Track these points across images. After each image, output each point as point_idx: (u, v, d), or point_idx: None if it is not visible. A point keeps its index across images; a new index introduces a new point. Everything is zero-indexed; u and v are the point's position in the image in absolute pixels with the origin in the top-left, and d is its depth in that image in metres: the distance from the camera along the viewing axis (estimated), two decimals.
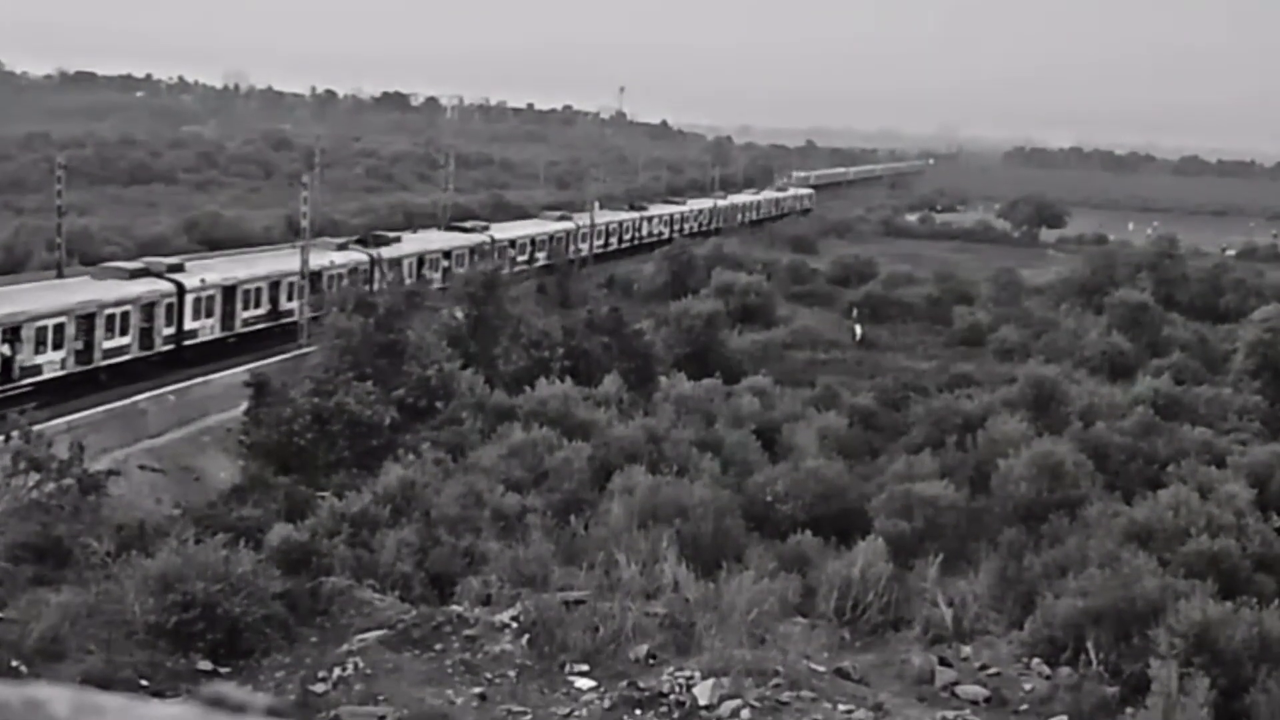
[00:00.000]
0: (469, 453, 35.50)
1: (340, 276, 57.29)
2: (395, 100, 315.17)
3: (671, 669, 21.19)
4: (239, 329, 51.35)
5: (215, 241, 74.10)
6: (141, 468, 36.04)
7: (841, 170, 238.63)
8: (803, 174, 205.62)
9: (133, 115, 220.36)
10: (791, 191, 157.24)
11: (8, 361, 39.82)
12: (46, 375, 40.80)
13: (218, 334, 49.93)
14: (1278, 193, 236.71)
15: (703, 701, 20.15)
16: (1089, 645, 23.40)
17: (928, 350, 65.55)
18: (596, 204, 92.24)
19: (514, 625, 22.80)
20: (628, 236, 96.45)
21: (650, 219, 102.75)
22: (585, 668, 21.78)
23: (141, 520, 29.50)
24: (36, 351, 40.65)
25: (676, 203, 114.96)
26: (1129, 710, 21.49)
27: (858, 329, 68.84)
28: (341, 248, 60.69)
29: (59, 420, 36.06)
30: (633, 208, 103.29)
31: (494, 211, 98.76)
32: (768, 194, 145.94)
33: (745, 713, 19.87)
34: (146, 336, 45.77)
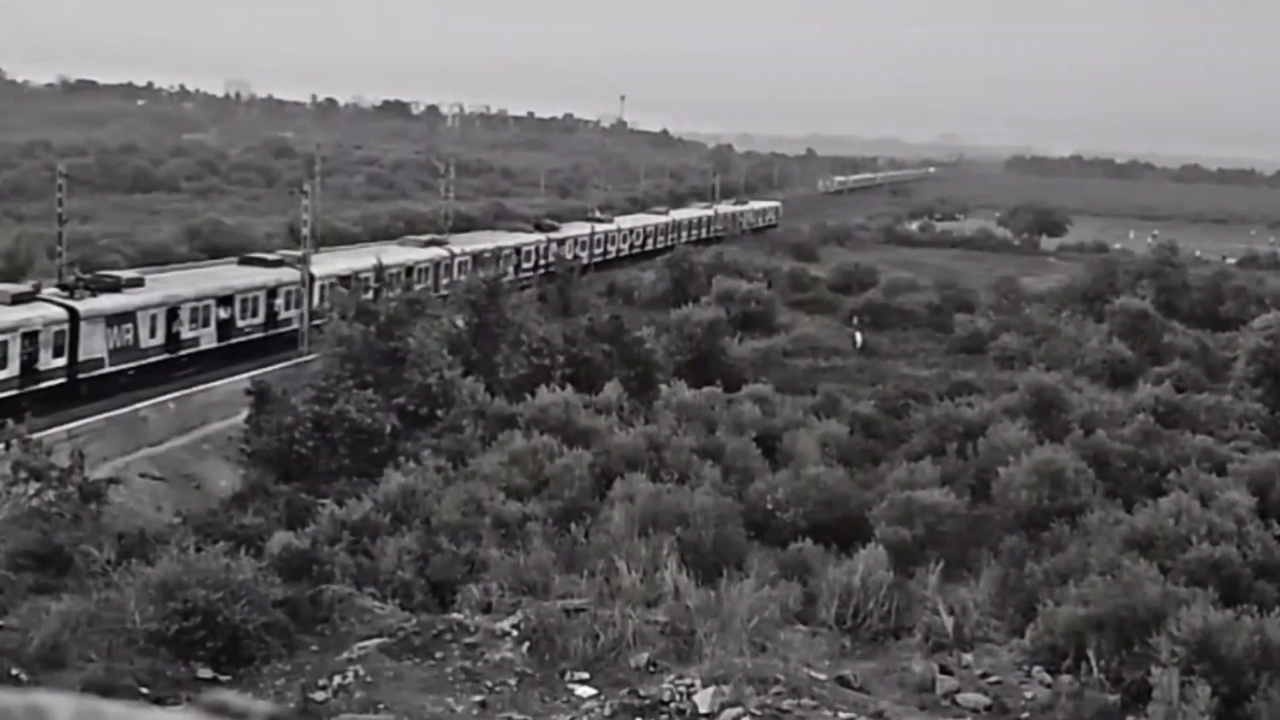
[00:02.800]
0: (470, 460, 35.51)
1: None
2: (396, 108, 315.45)
3: (672, 676, 21.17)
4: None
5: (218, 249, 74.06)
6: (142, 475, 36.05)
7: (869, 176, 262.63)
8: (842, 178, 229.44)
9: (134, 123, 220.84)
10: (753, 205, 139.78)
11: None
12: None
13: None
14: (1278, 200, 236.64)
15: (703, 709, 20.13)
16: (1090, 653, 23.39)
17: (928, 358, 65.55)
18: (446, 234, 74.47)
19: (515, 633, 22.79)
20: (528, 265, 76.59)
21: (561, 241, 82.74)
22: (586, 675, 21.77)
23: (142, 528, 29.50)
24: None
25: (601, 220, 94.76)
26: (1130, 718, 21.48)
27: (858, 336, 68.87)
28: (20, 300, 42.12)
29: (59, 428, 36.08)
30: (539, 228, 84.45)
31: (494, 219, 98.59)
32: (724, 208, 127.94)
33: None
34: None
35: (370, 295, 54.44)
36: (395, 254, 64.06)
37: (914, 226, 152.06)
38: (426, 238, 71.85)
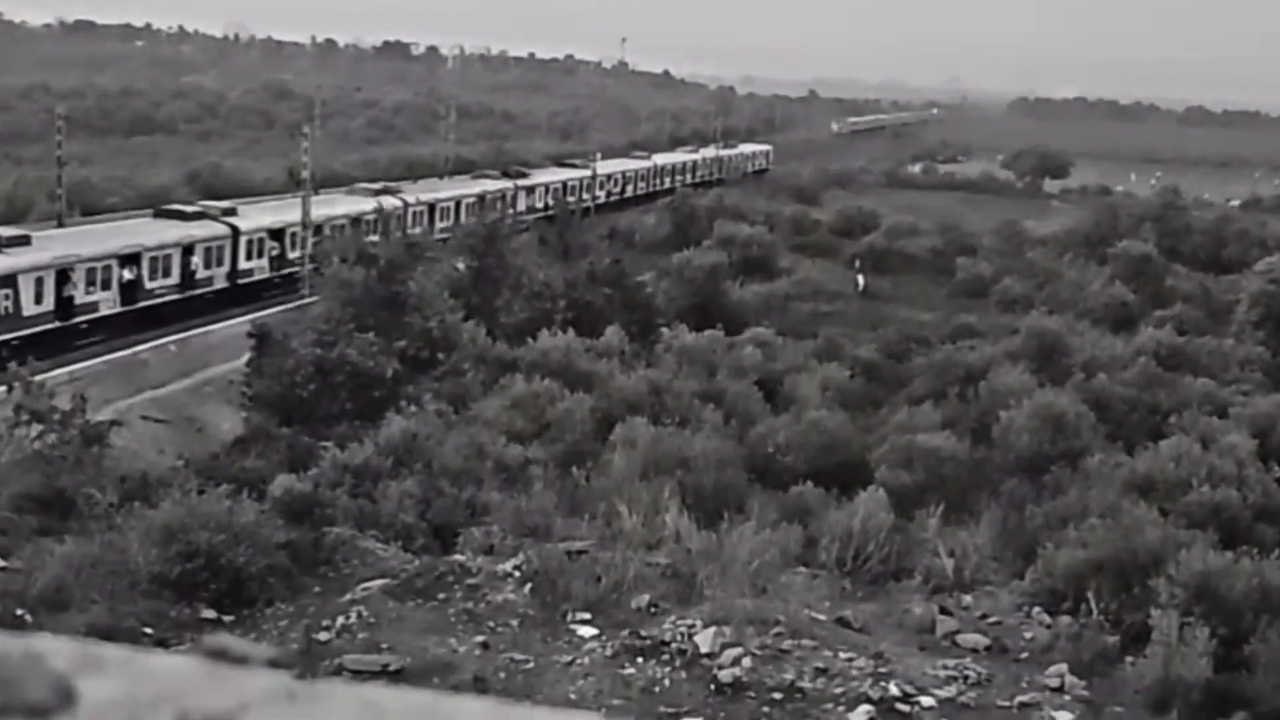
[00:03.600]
0: (471, 404, 35.57)
1: None
2: (396, 50, 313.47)
3: (673, 618, 21.29)
4: None
5: (217, 192, 73.68)
6: (144, 418, 36.13)
7: (880, 118, 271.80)
8: (853, 119, 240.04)
9: (133, 65, 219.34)
10: (742, 149, 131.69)
11: None
12: None
13: None
14: None
15: (704, 649, 20.26)
16: (1090, 595, 23.49)
17: (930, 302, 65.52)
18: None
19: (516, 575, 22.88)
20: (493, 215, 65.48)
21: (531, 189, 78.64)
22: (588, 616, 21.88)
23: (145, 471, 29.59)
24: None
25: (576, 165, 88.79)
26: (1129, 659, 21.61)
27: (860, 280, 68.79)
28: None
29: (61, 370, 36.12)
30: (506, 175, 79.69)
31: (496, 161, 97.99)
32: (709, 153, 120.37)
33: (746, 661, 19.97)
34: None
35: (298, 253, 52.32)
36: (340, 204, 59.79)
37: (916, 170, 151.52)
38: (378, 185, 65.74)
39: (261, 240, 52.68)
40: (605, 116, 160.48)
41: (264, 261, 52.84)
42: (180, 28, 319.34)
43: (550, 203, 77.05)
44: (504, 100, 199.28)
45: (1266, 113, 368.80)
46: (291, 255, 53.44)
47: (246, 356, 38.95)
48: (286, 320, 43.35)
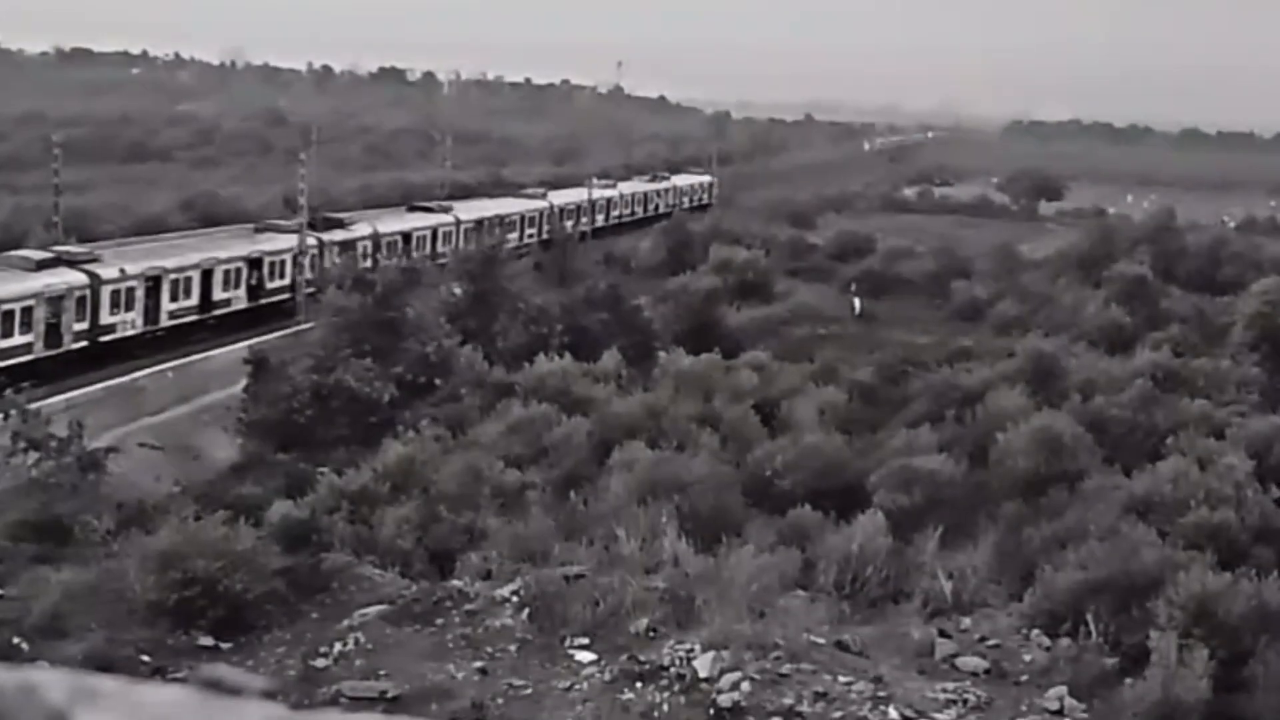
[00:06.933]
0: (468, 429, 35.56)
1: None
2: (392, 75, 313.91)
3: (672, 642, 21.24)
4: None
5: (214, 220, 73.64)
6: (141, 445, 36.09)
7: (902, 138, 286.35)
8: (881, 139, 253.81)
9: (130, 92, 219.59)
10: (676, 181, 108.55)
11: None
12: None
13: None
14: (1278, 165, 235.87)
15: (703, 674, 20.21)
16: (1089, 617, 23.46)
17: (927, 325, 65.49)
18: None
19: (515, 600, 22.85)
20: (276, 282, 52.82)
21: (347, 244, 57.29)
22: (586, 641, 21.84)
23: (141, 498, 29.56)
24: None
25: (425, 209, 69.06)
26: (1128, 681, 21.56)
27: (857, 303, 68.82)
28: None
29: (58, 398, 36.08)
30: (313, 226, 55.95)
31: (492, 187, 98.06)
32: (632, 186, 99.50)
33: (745, 685, 19.92)
34: None
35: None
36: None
37: (912, 193, 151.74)
38: (47, 252, 44.71)
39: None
40: (602, 141, 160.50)
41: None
42: (177, 55, 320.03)
43: (381, 260, 55.33)
44: (501, 125, 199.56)
45: (1260, 134, 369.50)
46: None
47: (244, 383, 38.94)
48: (284, 346, 43.33)
